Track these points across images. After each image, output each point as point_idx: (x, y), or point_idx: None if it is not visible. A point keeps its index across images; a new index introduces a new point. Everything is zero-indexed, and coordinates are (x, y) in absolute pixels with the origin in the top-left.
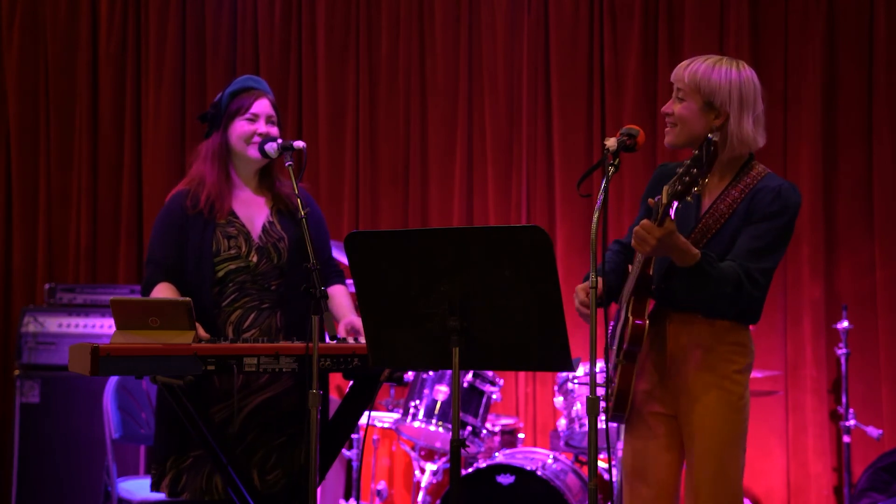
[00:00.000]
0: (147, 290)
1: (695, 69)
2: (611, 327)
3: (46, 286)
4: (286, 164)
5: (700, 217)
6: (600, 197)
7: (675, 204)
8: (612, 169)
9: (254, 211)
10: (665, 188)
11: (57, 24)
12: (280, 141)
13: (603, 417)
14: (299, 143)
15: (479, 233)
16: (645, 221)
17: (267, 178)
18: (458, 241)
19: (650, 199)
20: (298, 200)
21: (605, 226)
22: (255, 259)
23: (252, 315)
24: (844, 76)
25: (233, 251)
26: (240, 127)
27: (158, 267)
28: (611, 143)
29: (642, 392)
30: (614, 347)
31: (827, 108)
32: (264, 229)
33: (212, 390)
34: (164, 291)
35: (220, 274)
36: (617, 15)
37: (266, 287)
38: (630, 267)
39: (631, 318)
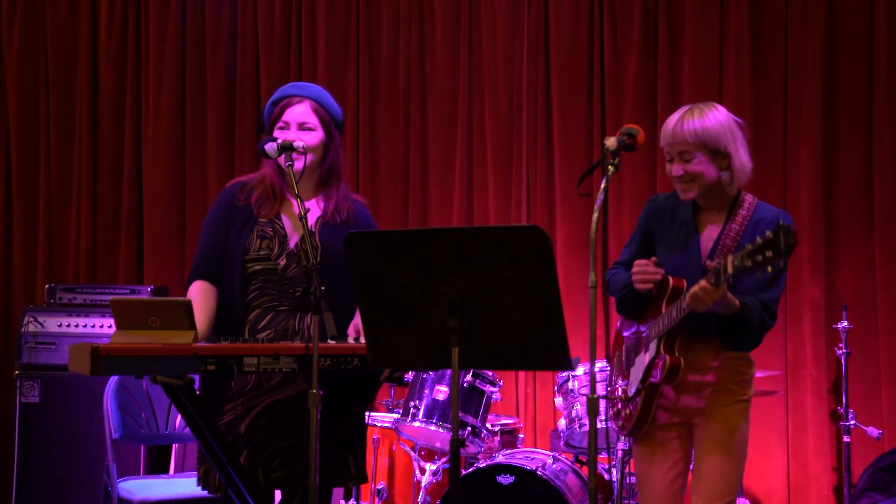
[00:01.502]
0: (185, 287)
1: (692, 127)
2: (617, 350)
3: (46, 286)
4: (285, 165)
5: (711, 253)
6: (600, 196)
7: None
8: (611, 168)
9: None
10: (730, 258)
11: (57, 24)
12: (280, 140)
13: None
14: (299, 143)
15: (479, 233)
16: (704, 284)
17: (324, 186)
18: (458, 241)
19: (708, 262)
20: (299, 200)
21: (605, 225)
22: (282, 263)
23: (269, 316)
24: (844, 76)
25: (263, 252)
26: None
27: (200, 260)
28: (611, 142)
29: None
30: (631, 371)
31: (827, 108)
32: (301, 237)
33: (227, 389)
34: (195, 291)
35: (249, 272)
36: (617, 15)
37: (291, 292)
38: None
39: (668, 357)
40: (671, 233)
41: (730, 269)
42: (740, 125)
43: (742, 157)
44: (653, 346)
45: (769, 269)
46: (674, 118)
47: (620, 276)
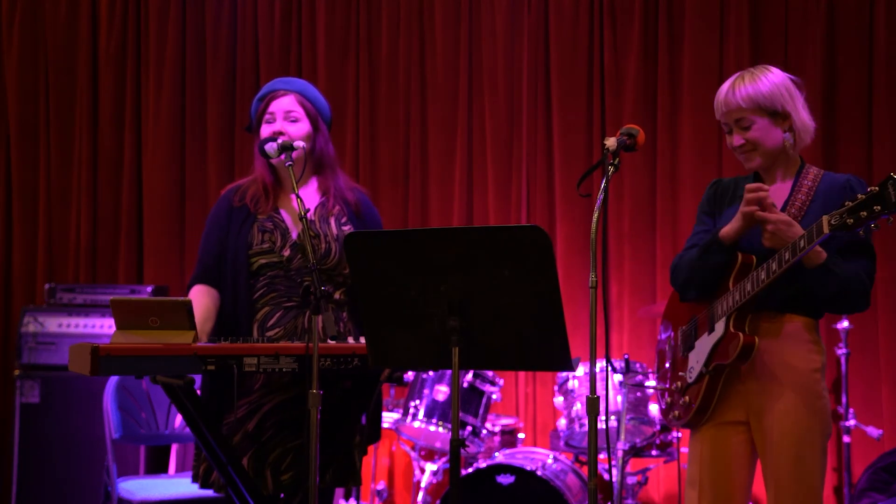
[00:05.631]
0: (187, 291)
1: (745, 91)
2: (670, 336)
3: (46, 286)
4: (286, 165)
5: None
6: (600, 196)
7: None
8: (611, 169)
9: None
10: (825, 218)
11: (57, 24)
12: (280, 140)
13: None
14: (299, 143)
15: (479, 233)
16: (785, 217)
17: (316, 174)
18: (458, 241)
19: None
20: (300, 201)
21: (605, 225)
22: (287, 253)
23: (278, 314)
24: (844, 76)
25: (266, 245)
26: (263, 131)
27: (200, 267)
28: (611, 142)
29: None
30: (684, 355)
31: (827, 108)
32: (303, 232)
33: (236, 386)
34: (195, 294)
35: (254, 267)
36: (617, 15)
37: (299, 282)
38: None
39: (741, 336)
40: (733, 209)
41: (825, 229)
42: (797, 83)
43: (803, 116)
44: (720, 325)
45: (874, 227)
46: (725, 87)
47: (689, 255)
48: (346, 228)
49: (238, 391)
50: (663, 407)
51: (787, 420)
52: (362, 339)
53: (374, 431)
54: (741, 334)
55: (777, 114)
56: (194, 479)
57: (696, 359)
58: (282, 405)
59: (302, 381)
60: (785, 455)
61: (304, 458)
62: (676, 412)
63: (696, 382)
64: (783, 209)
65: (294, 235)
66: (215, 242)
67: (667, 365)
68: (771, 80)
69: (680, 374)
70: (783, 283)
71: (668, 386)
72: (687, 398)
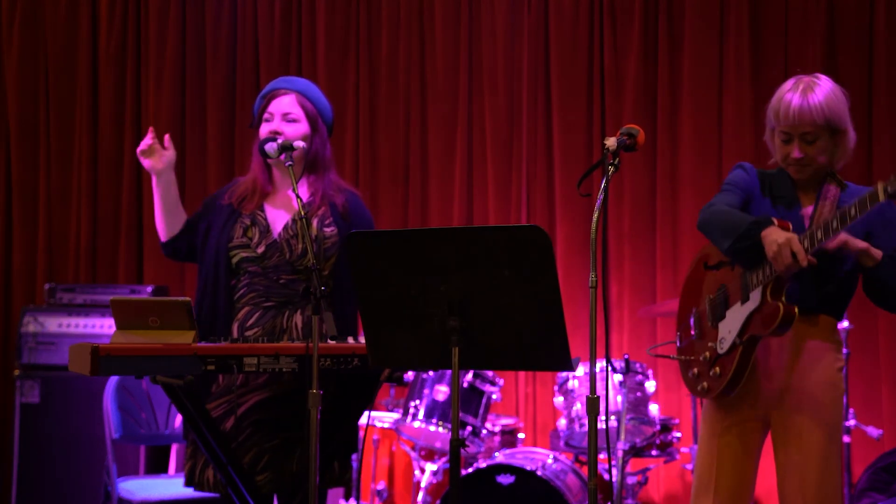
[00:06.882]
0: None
1: (821, 107)
2: (694, 310)
3: (46, 286)
4: (286, 165)
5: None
6: (600, 196)
7: None
8: (612, 168)
9: (285, 210)
10: (881, 184)
11: (57, 24)
12: (280, 140)
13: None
14: (299, 143)
15: (479, 233)
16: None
17: (308, 174)
18: (458, 241)
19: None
20: (299, 201)
21: (605, 225)
22: (261, 250)
23: (257, 314)
24: (844, 76)
25: (243, 240)
26: (261, 131)
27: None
28: (611, 142)
29: (733, 397)
30: (721, 326)
31: None
32: (285, 227)
33: (213, 385)
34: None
35: (235, 260)
36: (617, 15)
37: (275, 280)
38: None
39: (781, 306)
40: (768, 203)
41: (881, 196)
42: (846, 94)
43: (852, 135)
44: (755, 294)
45: None
46: (794, 97)
47: (721, 212)
48: (329, 230)
49: (217, 390)
50: (690, 376)
51: (818, 414)
52: (362, 339)
53: (352, 441)
54: (781, 304)
55: (836, 131)
56: (188, 482)
57: (728, 329)
58: (259, 405)
59: (279, 381)
60: (814, 448)
61: (280, 459)
62: (705, 383)
63: (728, 353)
64: (811, 218)
65: (275, 234)
66: (194, 215)
67: (692, 334)
68: (835, 93)
69: (709, 344)
70: (818, 284)
71: (695, 357)
72: (718, 369)
